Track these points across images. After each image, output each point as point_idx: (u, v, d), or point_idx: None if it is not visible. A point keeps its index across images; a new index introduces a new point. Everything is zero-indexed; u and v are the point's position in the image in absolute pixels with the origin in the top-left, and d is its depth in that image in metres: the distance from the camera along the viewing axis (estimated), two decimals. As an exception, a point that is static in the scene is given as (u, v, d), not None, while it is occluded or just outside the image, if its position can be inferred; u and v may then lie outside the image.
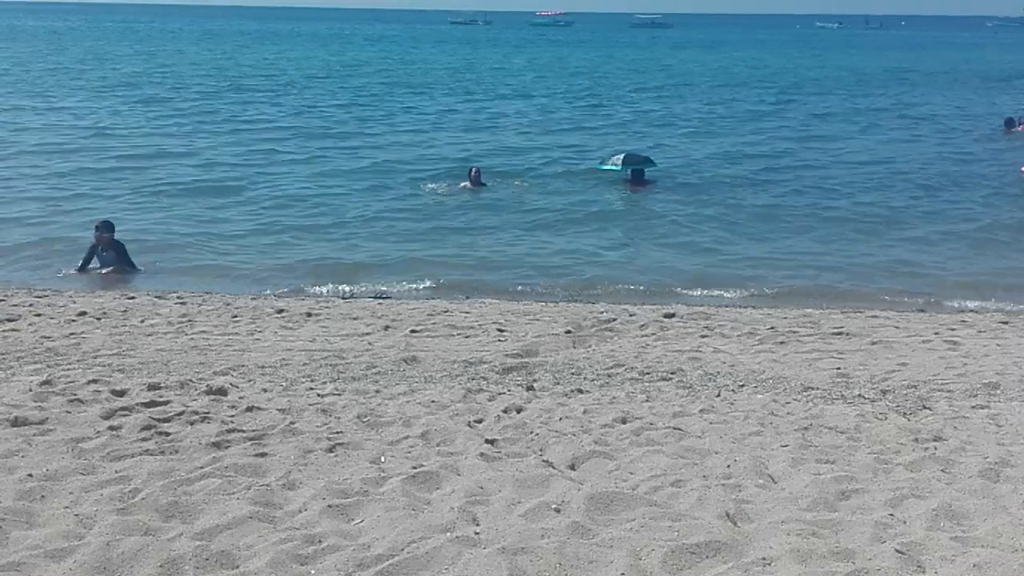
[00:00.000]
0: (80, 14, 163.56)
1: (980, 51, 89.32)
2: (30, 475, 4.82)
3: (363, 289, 12.05)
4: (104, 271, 12.64)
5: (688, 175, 21.30)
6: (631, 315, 10.02)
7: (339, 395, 6.57)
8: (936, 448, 5.56)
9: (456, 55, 74.22)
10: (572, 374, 7.46)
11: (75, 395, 6.22)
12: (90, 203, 17.19)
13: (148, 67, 50.90)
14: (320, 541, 4.18)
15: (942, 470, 5.19)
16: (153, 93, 36.84)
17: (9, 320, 9.11)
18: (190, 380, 6.81)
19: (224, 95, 37.45)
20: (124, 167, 20.84)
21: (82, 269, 12.68)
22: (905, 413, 6.39)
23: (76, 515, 4.38)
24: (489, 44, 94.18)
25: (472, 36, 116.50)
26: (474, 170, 19.36)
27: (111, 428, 5.61)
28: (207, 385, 6.60)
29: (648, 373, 7.51)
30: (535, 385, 7.05)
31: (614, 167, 20.07)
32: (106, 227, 12.86)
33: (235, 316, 9.72)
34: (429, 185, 19.44)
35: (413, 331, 9.03)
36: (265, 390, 6.66)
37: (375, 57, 67.09)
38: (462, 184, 19.12)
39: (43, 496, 4.60)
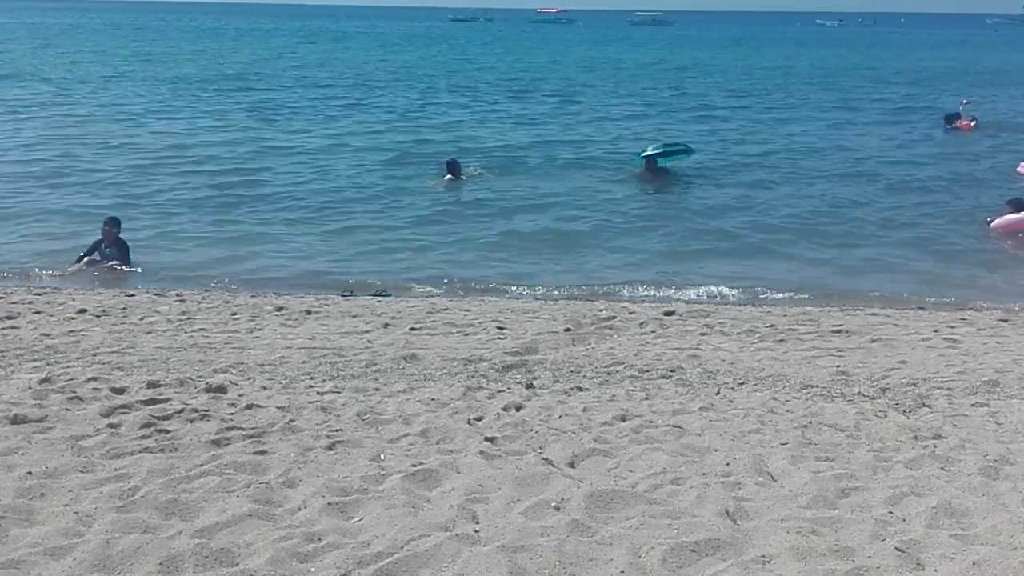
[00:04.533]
0: (80, 12, 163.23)
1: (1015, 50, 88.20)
2: (29, 473, 4.82)
3: (363, 287, 12.05)
4: (106, 264, 12.66)
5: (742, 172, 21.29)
6: (631, 313, 10.02)
7: (339, 393, 6.58)
8: (935, 446, 5.56)
9: (494, 53, 73.47)
10: (572, 372, 7.46)
11: (74, 393, 6.22)
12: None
13: (205, 68, 50.26)
14: (320, 539, 4.18)
15: (942, 468, 5.19)
16: (246, 97, 35.90)
17: (9, 318, 9.11)
18: (189, 378, 6.81)
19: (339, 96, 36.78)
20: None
21: (78, 260, 12.69)
22: (905, 411, 6.40)
23: (76, 513, 4.38)
24: (528, 44, 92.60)
25: (496, 35, 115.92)
26: (453, 162, 19.63)
27: (110, 426, 5.61)
28: (207, 383, 6.60)
29: (648, 371, 7.50)
30: (535, 383, 7.05)
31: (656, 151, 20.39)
32: (113, 223, 12.91)
33: (234, 314, 9.72)
34: (429, 181, 19.57)
35: (413, 329, 9.03)
36: (265, 388, 6.66)
37: (421, 59, 64.87)
38: (446, 177, 19.34)
39: (43, 494, 4.60)
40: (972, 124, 28.22)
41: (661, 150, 20.52)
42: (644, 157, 20.38)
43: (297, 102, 34.56)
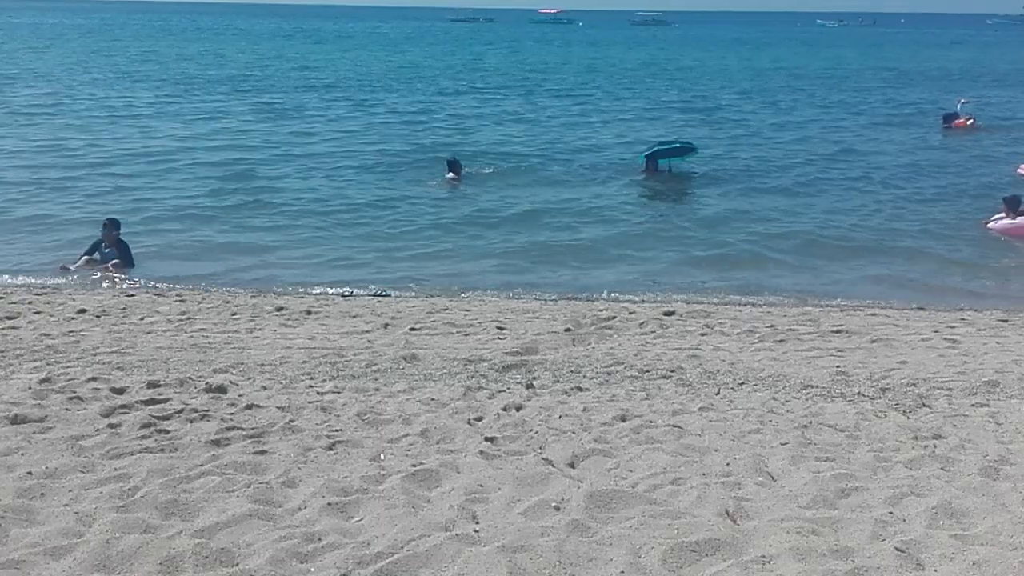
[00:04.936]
0: (81, 13, 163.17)
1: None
2: (30, 473, 4.82)
3: (363, 287, 12.04)
4: (105, 264, 12.65)
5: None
6: (631, 313, 10.02)
7: (339, 393, 6.57)
8: (935, 446, 5.56)
9: (498, 54, 73.39)
10: (572, 372, 7.46)
11: (75, 393, 6.22)
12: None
13: (208, 68, 50.09)
14: (320, 539, 4.19)
15: (941, 468, 5.19)
16: (268, 98, 35.77)
17: (9, 318, 9.11)
18: (189, 378, 6.81)
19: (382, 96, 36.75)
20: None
21: (77, 261, 12.69)
22: (905, 411, 6.40)
23: (76, 513, 4.38)
24: (530, 44, 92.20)
25: (498, 35, 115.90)
26: (454, 162, 19.62)
27: (111, 426, 5.61)
28: (206, 383, 6.60)
29: (648, 371, 7.50)
30: (535, 383, 7.05)
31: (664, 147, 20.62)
32: (113, 225, 12.90)
33: (234, 314, 9.72)
34: (431, 182, 19.55)
35: (413, 329, 9.03)
36: (265, 388, 6.66)
37: (425, 59, 64.26)
38: (448, 175, 19.34)
39: (43, 494, 4.60)
40: (970, 123, 28.25)
41: (675, 145, 20.59)
42: (646, 156, 20.45)
43: (300, 103, 34.54)
